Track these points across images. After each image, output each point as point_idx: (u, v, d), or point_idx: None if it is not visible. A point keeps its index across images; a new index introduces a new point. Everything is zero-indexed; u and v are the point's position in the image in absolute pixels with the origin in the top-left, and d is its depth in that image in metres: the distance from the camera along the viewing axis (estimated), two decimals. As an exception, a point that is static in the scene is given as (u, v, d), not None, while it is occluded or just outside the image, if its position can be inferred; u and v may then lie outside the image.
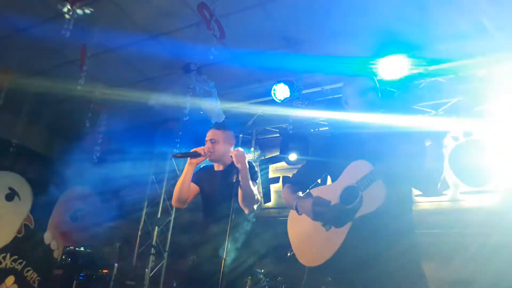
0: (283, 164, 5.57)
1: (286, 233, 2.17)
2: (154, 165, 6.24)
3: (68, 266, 5.39)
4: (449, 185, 4.38)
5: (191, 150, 2.69)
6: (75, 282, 5.02)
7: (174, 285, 5.07)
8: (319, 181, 2.29)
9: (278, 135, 5.66)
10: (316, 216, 1.96)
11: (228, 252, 2.35)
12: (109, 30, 3.95)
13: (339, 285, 2.02)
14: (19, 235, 5.30)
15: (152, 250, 5.91)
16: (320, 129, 5.27)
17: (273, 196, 5.68)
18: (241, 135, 5.88)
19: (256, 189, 2.63)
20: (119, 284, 5.09)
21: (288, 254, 2.16)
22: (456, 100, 4.36)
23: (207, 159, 2.75)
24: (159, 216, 6.17)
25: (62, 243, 5.73)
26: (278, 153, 5.52)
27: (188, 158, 2.70)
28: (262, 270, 4.07)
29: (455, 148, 4.38)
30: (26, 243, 5.31)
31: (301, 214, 2.06)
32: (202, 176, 2.88)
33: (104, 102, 5.23)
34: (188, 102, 4.33)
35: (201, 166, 2.99)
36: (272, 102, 4.76)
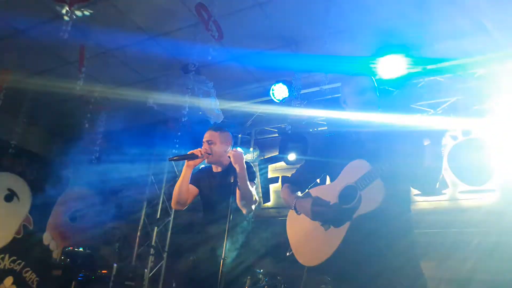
0: (282, 164, 5.57)
1: (285, 233, 2.17)
2: (153, 165, 6.24)
3: (67, 267, 5.39)
4: (448, 184, 4.38)
5: (188, 152, 2.68)
6: (74, 282, 5.01)
7: (174, 285, 5.06)
8: (318, 180, 2.28)
9: (277, 135, 5.66)
10: (314, 215, 1.96)
11: (228, 252, 2.35)
12: (107, 31, 3.94)
13: (338, 284, 2.02)
14: (18, 236, 5.30)
15: (152, 251, 5.90)
16: (319, 128, 5.27)
17: (272, 196, 5.68)
18: (240, 135, 5.88)
19: (254, 190, 2.63)
20: (118, 284, 5.08)
21: (287, 254, 2.16)
22: (454, 99, 4.36)
23: (205, 161, 2.74)
24: (158, 216, 6.17)
25: (61, 243, 5.73)
26: (277, 153, 5.52)
27: (186, 161, 2.69)
28: (262, 270, 4.07)
29: (454, 147, 4.39)
30: (25, 244, 5.32)
31: (300, 214, 2.06)
32: (201, 177, 2.88)
33: (103, 103, 5.22)
34: (187, 102, 4.32)
35: (200, 168, 2.99)
36: (271, 102, 4.77)
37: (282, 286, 4.00)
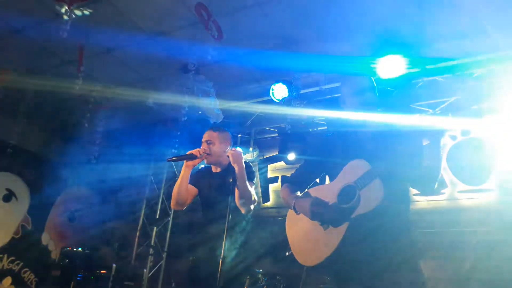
0: (282, 163, 5.58)
1: (284, 233, 2.17)
2: (152, 165, 6.24)
3: (66, 267, 5.37)
4: (447, 184, 4.39)
5: (187, 153, 2.68)
6: (72, 283, 5.00)
7: (173, 285, 5.06)
8: (317, 180, 2.29)
9: (276, 134, 5.66)
10: (313, 215, 1.96)
11: (227, 251, 2.35)
12: (107, 30, 3.94)
13: (337, 284, 2.02)
14: (16, 236, 5.29)
15: (151, 251, 5.90)
16: (318, 128, 5.27)
17: (271, 195, 5.68)
18: (239, 135, 5.88)
19: (253, 190, 2.63)
20: (117, 284, 5.08)
21: (287, 254, 2.16)
22: (453, 99, 4.37)
23: (204, 161, 2.74)
24: (157, 216, 6.17)
25: (59, 243, 5.72)
26: (276, 153, 5.53)
27: (184, 161, 2.69)
28: (261, 270, 4.07)
29: (453, 147, 4.40)
30: (23, 244, 5.31)
31: (299, 214, 2.06)
32: (200, 177, 2.88)
33: (102, 102, 5.22)
34: (186, 102, 4.32)
35: (200, 168, 2.99)
36: (271, 102, 4.77)
37: (282, 285, 4.00)
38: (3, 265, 5.11)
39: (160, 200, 6.23)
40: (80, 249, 5.65)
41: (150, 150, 5.87)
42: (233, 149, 2.67)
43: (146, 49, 4.23)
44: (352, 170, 1.95)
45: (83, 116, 4.99)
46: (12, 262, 5.19)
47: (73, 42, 3.81)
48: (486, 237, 3.85)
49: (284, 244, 2.17)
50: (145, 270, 5.78)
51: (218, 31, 3.47)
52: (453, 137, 4.42)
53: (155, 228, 6.08)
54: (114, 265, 5.06)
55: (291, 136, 5.23)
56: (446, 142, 4.38)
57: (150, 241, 5.99)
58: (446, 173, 4.38)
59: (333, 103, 4.41)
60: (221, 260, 2.28)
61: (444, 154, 4.36)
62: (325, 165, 2.16)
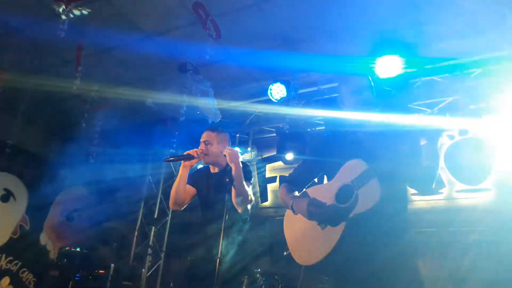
0: (280, 163, 5.58)
1: (282, 232, 2.17)
2: (150, 165, 6.23)
3: (64, 267, 5.37)
4: (445, 184, 4.40)
5: (185, 153, 2.68)
6: (71, 283, 5.00)
7: (171, 285, 5.06)
8: (315, 180, 2.29)
9: (275, 134, 5.67)
10: (311, 215, 1.96)
11: (225, 251, 2.35)
12: (105, 29, 3.93)
13: (335, 283, 2.02)
14: (15, 236, 5.27)
15: (149, 250, 5.90)
16: (316, 128, 5.28)
17: (270, 195, 5.69)
18: (238, 135, 5.89)
19: (250, 189, 2.64)
20: (116, 284, 5.07)
21: (285, 253, 2.16)
22: (451, 98, 4.38)
23: (202, 161, 2.75)
24: (155, 216, 6.17)
25: (58, 243, 5.71)
26: (275, 153, 5.53)
27: (182, 161, 2.69)
28: (259, 269, 4.07)
29: (451, 147, 4.41)
30: (21, 244, 5.29)
31: (297, 214, 2.07)
32: (198, 177, 2.88)
33: (101, 102, 5.21)
34: (184, 101, 4.32)
35: (198, 168, 2.99)
36: (269, 102, 4.77)
37: (280, 285, 4.01)
38: (1, 265, 5.10)
39: (159, 200, 6.22)
40: (78, 249, 5.65)
41: (148, 150, 5.86)
42: (230, 148, 2.67)
43: (145, 48, 4.23)
44: (350, 169, 1.96)
45: (81, 116, 4.98)
46: (10, 262, 5.18)
47: (72, 41, 3.81)
48: (484, 236, 3.86)
49: (282, 243, 2.18)
50: (143, 270, 5.78)
51: (216, 30, 3.47)
52: (451, 137, 4.43)
53: (153, 228, 6.08)
54: (112, 265, 5.06)
55: (289, 136, 5.24)
56: (444, 142, 4.40)
57: (149, 241, 5.99)
58: (444, 173, 4.39)
59: (331, 103, 4.42)
60: (219, 259, 2.28)
61: (442, 154, 4.37)
62: (323, 165, 2.16)
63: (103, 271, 5.23)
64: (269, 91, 4.67)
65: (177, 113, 4.50)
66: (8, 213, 5.28)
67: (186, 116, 4.41)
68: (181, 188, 2.73)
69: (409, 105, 4.48)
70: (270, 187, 5.71)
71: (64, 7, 3.32)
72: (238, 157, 2.58)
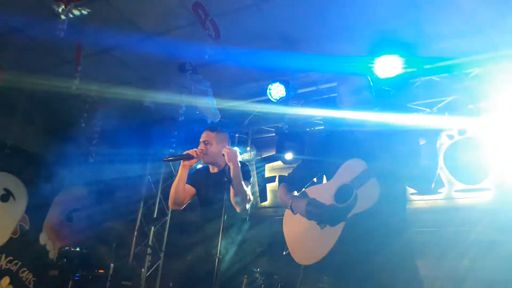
0: (279, 163, 5.59)
1: (282, 232, 2.17)
2: (150, 165, 6.23)
3: (64, 267, 5.37)
4: (444, 183, 4.41)
5: (184, 153, 2.69)
6: (70, 282, 5.00)
7: (171, 284, 5.06)
8: (315, 180, 2.29)
9: (274, 134, 5.67)
10: (310, 215, 1.97)
11: (224, 251, 2.35)
12: (104, 30, 3.93)
13: (334, 283, 2.03)
14: (14, 236, 5.28)
15: (148, 250, 5.90)
16: (315, 128, 5.28)
17: (269, 195, 5.69)
18: (237, 135, 5.89)
19: (248, 189, 2.64)
20: (115, 284, 5.07)
21: (284, 253, 2.16)
22: (451, 98, 4.39)
23: (201, 161, 2.75)
24: (155, 216, 6.17)
25: (57, 243, 5.71)
26: (274, 153, 5.53)
27: (181, 161, 2.69)
28: (258, 269, 4.08)
29: (450, 146, 4.42)
30: (21, 244, 5.30)
31: (296, 214, 2.07)
32: (198, 177, 2.89)
33: (100, 102, 5.21)
34: (183, 101, 4.32)
35: (197, 168, 2.99)
36: (268, 102, 4.77)
37: (279, 285, 4.01)
38: (1, 265, 5.10)
39: (158, 199, 6.22)
40: (78, 249, 5.64)
41: (148, 150, 5.86)
42: (228, 147, 2.68)
43: (144, 48, 4.23)
44: (349, 169, 1.96)
45: (80, 116, 4.98)
46: (10, 262, 5.18)
47: (71, 41, 3.80)
48: (483, 236, 3.87)
49: (281, 243, 2.18)
50: (143, 270, 5.78)
51: (216, 30, 3.47)
52: (450, 137, 4.43)
53: (152, 227, 6.08)
54: (112, 265, 5.06)
55: (288, 135, 5.24)
56: (443, 142, 4.40)
57: (148, 241, 5.99)
58: (443, 173, 4.40)
59: (331, 102, 4.41)
60: (217, 259, 2.29)
61: (441, 154, 4.37)
62: (322, 164, 2.16)
63: (102, 271, 5.23)
64: (268, 91, 4.67)
65: (176, 113, 4.49)
66: (8, 213, 5.28)
67: (185, 116, 4.41)
68: (181, 188, 2.73)
69: (408, 105, 4.49)
70: (269, 186, 5.71)
71: (63, 7, 3.31)
72: (236, 156, 2.58)
